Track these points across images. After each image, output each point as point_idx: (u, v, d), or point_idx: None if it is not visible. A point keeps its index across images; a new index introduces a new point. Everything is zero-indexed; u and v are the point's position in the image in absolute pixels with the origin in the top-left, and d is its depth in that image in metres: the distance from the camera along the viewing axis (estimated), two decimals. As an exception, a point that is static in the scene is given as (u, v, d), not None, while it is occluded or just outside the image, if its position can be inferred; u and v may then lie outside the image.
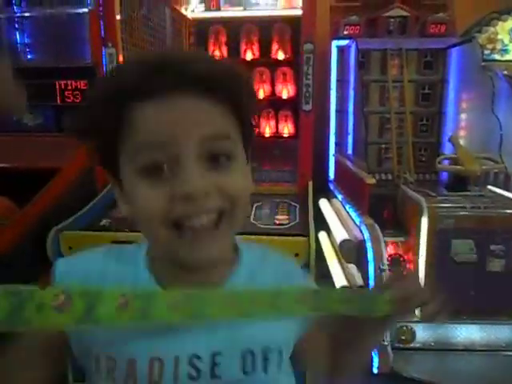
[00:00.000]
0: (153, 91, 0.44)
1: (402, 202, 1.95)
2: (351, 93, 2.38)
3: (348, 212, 1.99)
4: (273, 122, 2.29)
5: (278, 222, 1.34)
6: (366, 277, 1.67)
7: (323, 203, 2.39)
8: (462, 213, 1.67)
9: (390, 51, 2.27)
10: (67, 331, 0.51)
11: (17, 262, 1.25)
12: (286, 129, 2.28)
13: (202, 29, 2.29)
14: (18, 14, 2.09)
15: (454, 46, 2.24)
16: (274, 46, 2.23)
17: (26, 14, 2.07)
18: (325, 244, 2.20)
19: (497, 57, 2.28)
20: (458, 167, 1.88)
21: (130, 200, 0.48)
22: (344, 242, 1.77)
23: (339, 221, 2.01)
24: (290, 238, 1.20)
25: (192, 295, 0.43)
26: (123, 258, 0.54)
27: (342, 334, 0.58)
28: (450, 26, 2.25)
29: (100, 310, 0.39)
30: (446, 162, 2.03)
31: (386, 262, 1.53)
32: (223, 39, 2.26)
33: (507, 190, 1.94)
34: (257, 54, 2.25)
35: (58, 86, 1.84)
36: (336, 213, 2.14)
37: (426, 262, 1.69)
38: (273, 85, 2.27)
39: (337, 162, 2.46)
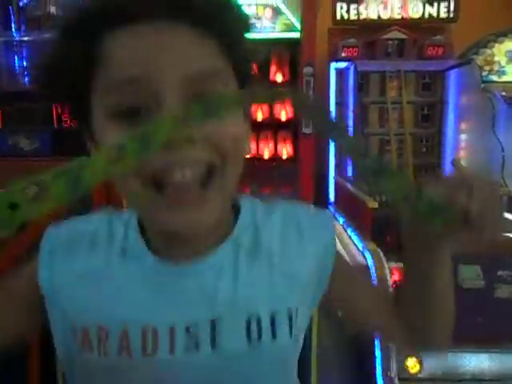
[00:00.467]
0: (127, 16, 0.36)
1: (405, 225, 1.90)
2: (350, 115, 2.37)
3: (350, 236, 1.95)
4: (271, 144, 2.28)
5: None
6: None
7: (324, 226, 2.34)
8: (467, 237, 1.62)
9: (389, 73, 2.27)
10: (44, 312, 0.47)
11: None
12: (285, 151, 2.26)
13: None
14: (17, 38, 2.10)
15: (453, 67, 2.25)
16: (273, 69, 2.24)
17: (25, 38, 2.08)
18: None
19: (494, 78, 2.29)
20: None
21: None
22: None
23: (341, 245, 1.97)
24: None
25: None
26: (117, 221, 0.49)
27: (410, 253, 0.53)
28: (447, 48, 2.27)
29: (86, 174, 0.31)
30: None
31: (391, 289, 1.48)
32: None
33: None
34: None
35: (55, 110, 1.83)
36: (338, 237, 2.09)
37: (432, 288, 1.63)
38: (271, 106, 2.26)
39: (337, 185, 2.43)
